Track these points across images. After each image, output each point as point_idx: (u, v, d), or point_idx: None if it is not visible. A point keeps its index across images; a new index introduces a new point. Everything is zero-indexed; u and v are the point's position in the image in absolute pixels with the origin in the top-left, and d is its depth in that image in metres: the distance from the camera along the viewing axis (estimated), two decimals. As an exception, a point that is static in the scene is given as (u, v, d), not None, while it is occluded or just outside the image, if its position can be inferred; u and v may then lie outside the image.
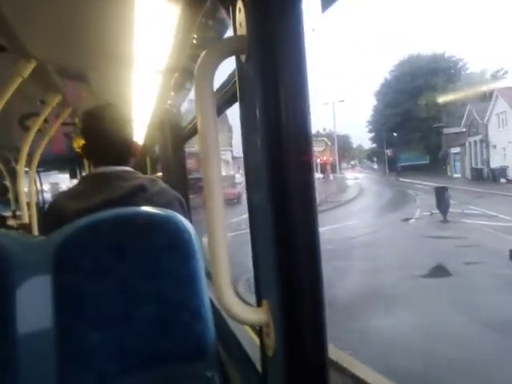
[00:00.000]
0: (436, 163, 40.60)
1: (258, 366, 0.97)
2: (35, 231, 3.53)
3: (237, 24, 0.78)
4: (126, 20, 1.44)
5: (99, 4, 1.42)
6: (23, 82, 2.05)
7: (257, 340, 1.20)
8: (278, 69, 0.70)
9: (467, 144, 33.93)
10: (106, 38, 1.74)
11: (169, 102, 2.27)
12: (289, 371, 0.72)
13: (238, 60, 0.81)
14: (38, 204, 4.70)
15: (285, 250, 0.71)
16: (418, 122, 41.28)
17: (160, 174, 2.82)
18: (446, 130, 38.88)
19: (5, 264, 0.93)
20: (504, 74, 38.52)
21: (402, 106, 42.76)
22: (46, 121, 2.94)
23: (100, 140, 1.34)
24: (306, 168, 0.72)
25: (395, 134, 43.71)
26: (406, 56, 47.77)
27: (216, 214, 0.75)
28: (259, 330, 0.86)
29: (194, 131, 2.02)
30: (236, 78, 0.84)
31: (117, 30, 1.61)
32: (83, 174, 6.09)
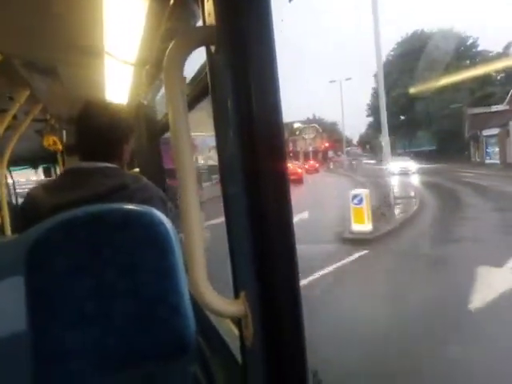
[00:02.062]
0: (449, 148, 36.90)
1: (238, 358, 0.98)
2: (8, 231, 3.42)
3: (206, 14, 0.77)
4: (95, 11, 1.40)
5: None
6: None
7: (236, 331, 1.21)
8: (248, 59, 0.69)
9: (511, 124, 27.39)
10: (75, 30, 1.68)
11: (142, 95, 2.22)
12: (268, 361, 0.73)
13: (208, 51, 0.79)
14: (10, 203, 4.56)
15: (260, 241, 0.72)
16: (429, 102, 37.46)
17: (137, 169, 2.78)
18: (470, 110, 34.10)
19: None
20: None
21: (410, 86, 37.27)
22: (15, 117, 2.84)
23: (89, 135, 1.32)
24: (279, 158, 0.72)
25: (402, 118, 39.91)
26: (408, 33, 44.33)
27: (191, 207, 0.75)
28: (238, 322, 0.86)
29: (168, 125, 1.99)
30: (207, 69, 0.83)
31: (86, 22, 1.56)
32: (58, 172, 5.94)
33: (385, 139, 12.89)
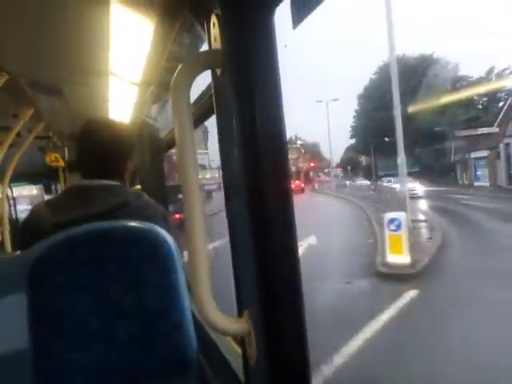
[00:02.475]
0: (432, 170, 36.25)
1: (241, 377, 0.97)
2: (8, 247, 3.41)
3: (212, 38, 0.80)
4: (101, 33, 1.44)
5: (74, 16, 1.41)
6: None
7: (239, 350, 1.20)
8: (253, 81, 0.72)
9: (502, 146, 27.59)
10: (81, 51, 1.73)
11: (145, 114, 2.26)
12: (271, 379, 0.73)
13: (214, 73, 0.82)
14: (10, 219, 4.56)
15: (264, 260, 0.72)
16: (412, 125, 36.75)
17: (138, 186, 2.79)
18: (458, 133, 33.89)
19: None
20: (510, 72, 36.54)
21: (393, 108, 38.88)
22: (18, 135, 2.87)
23: (91, 153, 1.32)
24: (283, 177, 0.73)
25: (387, 139, 39.57)
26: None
27: (196, 225, 0.76)
28: (241, 340, 0.86)
29: (172, 143, 2.02)
30: (212, 90, 0.86)
31: (92, 43, 1.60)
32: (58, 188, 5.96)
33: (401, 157, 12.00)
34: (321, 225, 14.39)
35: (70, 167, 3.89)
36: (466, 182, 32.34)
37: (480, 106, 39.60)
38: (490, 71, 38.07)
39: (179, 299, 1.04)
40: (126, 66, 1.66)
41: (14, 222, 4.49)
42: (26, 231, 1.26)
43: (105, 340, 0.99)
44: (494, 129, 30.17)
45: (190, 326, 1.05)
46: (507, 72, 37.01)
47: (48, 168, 4.55)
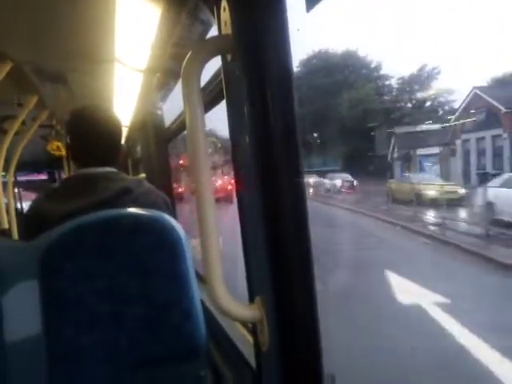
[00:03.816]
0: (358, 168, 31.85)
1: (252, 363, 0.98)
2: (15, 236, 3.44)
3: (222, 23, 0.79)
4: (107, 19, 1.42)
5: (79, 2, 1.39)
6: None
7: (249, 337, 1.21)
8: (264, 67, 0.71)
9: (459, 142, 26.05)
10: (86, 38, 1.71)
11: (151, 102, 2.25)
12: (283, 365, 0.73)
13: (224, 59, 0.81)
14: (16, 208, 4.59)
15: (276, 246, 0.72)
16: (340, 121, 35.91)
17: (143, 175, 2.80)
18: (398, 130, 31.76)
19: None
20: (437, 73, 36.76)
21: (320, 102, 36.13)
22: (23, 123, 2.87)
23: (85, 141, 1.32)
24: (295, 163, 0.73)
25: (315, 135, 37.07)
26: (315, 50, 42.50)
27: (207, 212, 0.76)
28: (252, 327, 0.87)
29: (177, 130, 2.01)
30: (222, 76, 0.85)
31: (97, 30, 1.58)
32: (63, 176, 5.98)
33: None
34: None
35: (70, 155, 3.88)
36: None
37: (409, 105, 39.00)
38: (422, 68, 37.73)
39: (188, 286, 1.05)
40: (131, 53, 1.65)
41: (18, 212, 4.51)
42: (30, 222, 1.26)
43: (115, 326, 1.00)
44: (437, 126, 29.70)
45: (199, 313, 1.06)
46: (435, 71, 37.04)
47: (52, 156, 4.56)
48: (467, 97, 26.32)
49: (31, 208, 1.29)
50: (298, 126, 0.73)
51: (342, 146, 35.71)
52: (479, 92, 25.09)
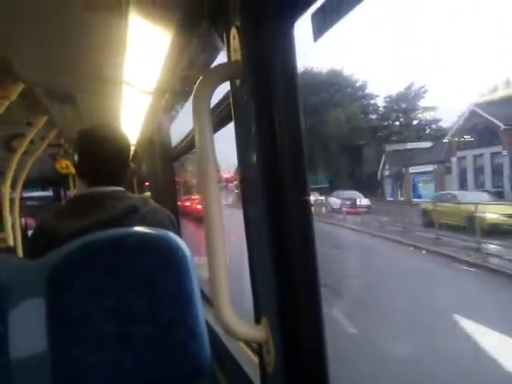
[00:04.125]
0: (350, 186, 29.63)
1: (256, 383, 0.97)
2: (20, 253, 3.45)
3: (231, 49, 0.82)
4: (117, 42, 1.47)
5: (90, 26, 1.44)
6: (10, 105, 2.04)
7: (253, 357, 1.20)
8: (272, 92, 0.73)
9: (455, 160, 25.63)
10: (96, 60, 1.76)
11: (158, 122, 2.29)
12: None
13: (233, 84, 0.84)
14: (21, 226, 4.60)
15: (283, 266, 0.73)
16: (327, 140, 35.05)
17: (148, 193, 2.82)
18: (388, 147, 31.30)
19: None
20: (424, 92, 35.86)
21: (307, 120, 34.69)
22: (31, 142, 2.92)
23: (93, 159, 1.34)
24: (302, 183, 0.74)
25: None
26: (300, 69, 44.52)
27: (215, 231, 0.77)
28: (258, 347, 0.87)
29: (184, 150, 2.04)
30: (230, 100, 0.87)
31: (107, 52, 1.63)
32: (68, 195, 6.02)
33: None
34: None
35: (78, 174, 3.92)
36: (401, 199, 27.39)
37: (397, 123, 38.53)
38: (410, 87, 37.17)
39: (193, 306, 1.04)
40: (140, 75, 1.69)
41: (23, 229, 4.53)
42: (37, 241, 1.26)
43: (120, 346, 1.00)
44: (429, 144, 28.63)
45: (204, 333, 1.05)
46: (422, 90, 36.50)
47: (58, 175, 4.60)
48: (464, 113, 25.23)
49: (39, 225, 1.30)
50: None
51: (330, 165, 35.35)
52: (477, 109, 24.01)
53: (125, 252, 1.04)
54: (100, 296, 1.00)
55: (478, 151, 24.06)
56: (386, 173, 31.23)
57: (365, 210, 22.48)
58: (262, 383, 0.89)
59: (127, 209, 1.25)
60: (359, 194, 26.20)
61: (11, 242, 3.39)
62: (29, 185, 5.29)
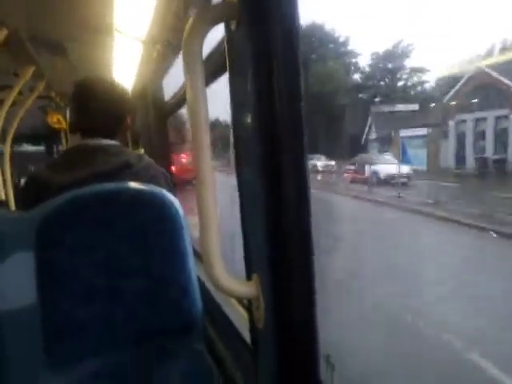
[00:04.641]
0: (330, 150, 27.88)
1: (247, 339, 0.98)
2: (12, 207, 3.43)
3: None
4: None
5: None
6: None
7: (243, 312, 1.22)
8: (271, 34, 0.67)
9: (453, 124, 23.42)
10: (85, 7, 1.65)
11: (150, 74, 2.20)
12: (279, 342, 0.73)
13: (228, 27, 0.78)
14: (13, 180, 4.56)
15: (275, 223, 0.71)
16: (308, 99, 34.55)
17: (142, 150, 2.77)
18: (375, 109, 28.54)
19: None
20: (410, 51, 35.14)
21: None
22: (20, 93, 2.82)
23: (86, 111, 1.30)
24: (298, 139, 0.71)
25: None
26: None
27: (206, 187, 0.74)
28: (248, 304, 0.87)
29: (177, 105, 1.97)
30: (225, 46, 0.81)
31: None
32: (60, 150, 5.93)
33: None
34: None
35: (70, 128, 3.85)
36: None
37: (382, 83, 36.87)
38: (397, 45, 35.95)
39: (185, 262, 1.04)
40: (131, 22, 1.60)
41: (16, 186, 4.49)
42: (28, 193, 1.25)
43: (111, 300, 1.00)
44: (416, 106, 26.68)
45: (195, 290, 1.06)
46: (410, 48, 35.55)
47: (49, 130, 4.50)
48: (468, 73, 23.76)
49: (30, 177, 1.28)
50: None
51: (309, 127, 34.09)
52: (484, 68, 22.33)
53: (116, 207, 1.02)
54: (90, 250, 0.99)
55: (480, 114, 22.34)
56: (373, 136, 28.86)
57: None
58: (252, 338, 0.90)
59: (121, 164, 1.23)
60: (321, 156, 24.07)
61: (2, 196, 3.37)
62: (20, 139, 5.19)
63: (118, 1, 1.47)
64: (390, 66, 37.16)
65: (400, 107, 29.15)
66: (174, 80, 2.09)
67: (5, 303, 0.89)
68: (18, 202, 1.32)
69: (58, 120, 3.85)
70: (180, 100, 1.85)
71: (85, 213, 1.00)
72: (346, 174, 21.07)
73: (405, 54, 36.34)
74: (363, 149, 28.47)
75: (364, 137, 29.80)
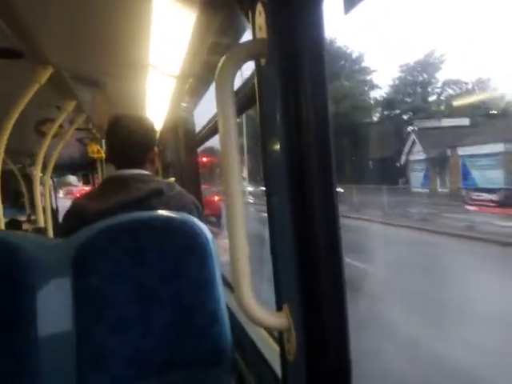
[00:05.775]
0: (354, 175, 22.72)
1: (277, 371, 0.96)
2: (50, 235, 3.57)
3: (256, 27, 0.78)
4: (142, 25, 1.46)
5: (115, 10, 1.44)
6: (40, 89, 2.08)
7: (274, 344, 1.20)
8: (299, 72, 0.70)
9: None
10: (122, 44, 1.76)
11: (182, 107, 2.28)
12: (311, 376, 0.71)
13: (258, 63, 0.81)
14: (52, 208, 4.77)
15: (305, 252, 0.71)
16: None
17: (173, 178, 2.84)
18: (420, 124, 24.19)
19: (26, 266, 0.94)
20: (442, 62, 32.45)
21: None
22: (60, 126, 2.99)
23: (121, 146, 1.41)
24: (327, 172, 0.71)
25: None
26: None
27: (236, 217, 0.75)
28: (279, 335, 0.85)
29: (208, 135, 2.03)
30: (255, 81, 0.84)
31: (132, 36, 1.63)
32: (96, 178, 6.17)
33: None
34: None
35: (107, 158, 4.04)
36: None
37: (412, 98, 33.33)
38: (430, 54, 32.78)
39: (215, 291, 1.04)
40: (165, 58, 1.68)
41: (54, 211, 4.69)
42: (69, 220, 1.33)
43: (143, 327, 1.01)
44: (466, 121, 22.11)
45: (225, 318, 1.05)
46: (443, 58, 32.49)
47: (86, 159, 4.71)
48: None
49: (71, 206, 1.39)
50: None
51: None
52: None
53: (148, 235, 1.05)
54: (122, 278, 1.01)
55: None
56: (417, 156, 23.78)
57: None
58: (283, 371, 0.88)
59: (152, 191, 1.29)
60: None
61: (42, 224, 3.52)
62: (59, 169, 5.45)
63: (153, 39, 1.56)
64: (421, 78, 34.41)
65: (448, 122, 24.60)
66: (203, 111, 2.17)
67: (43, 329, 0.92)
68: (61, 229, 1.41)
69: (98, 150, 4.06)
70: (210, 131, 1.90)
71: (118, 241, 1.03)
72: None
73: (437, 65, 34.58)
74: (400, 173, 24.31)
75: (403, 158, 24.97)
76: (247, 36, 1.03)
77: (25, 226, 3.85)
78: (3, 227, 2.72)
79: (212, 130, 1.82)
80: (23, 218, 4.31)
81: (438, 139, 22.22)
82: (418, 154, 24.02)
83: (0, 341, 0.91)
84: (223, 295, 1.06)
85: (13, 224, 3.86)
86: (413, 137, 24.35)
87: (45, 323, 0.93)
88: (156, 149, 1.48)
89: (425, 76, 34.48)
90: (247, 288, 0.74)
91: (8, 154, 3.33)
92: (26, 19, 1.49)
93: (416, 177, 23.44)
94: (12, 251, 0.94)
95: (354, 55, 37.15)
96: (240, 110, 1.11)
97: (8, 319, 0.91)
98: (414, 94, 34.67)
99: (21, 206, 5.23)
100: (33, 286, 0.93)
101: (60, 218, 4.64)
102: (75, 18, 1.57)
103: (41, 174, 3.65)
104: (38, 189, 3.33)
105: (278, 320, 0.77)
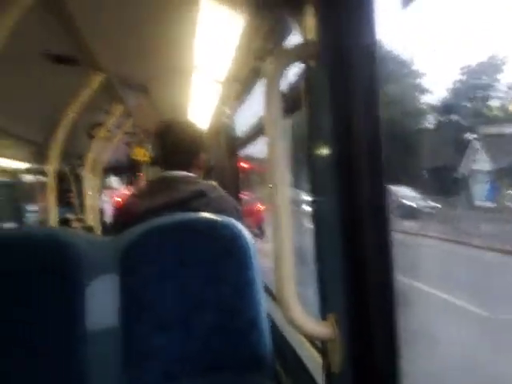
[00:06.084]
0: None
1: (319, 381, 0.93)
2: (98, 233, 3.73)
3: (306, 29, 0.77)
4: (189, 31, 1.49)
5: (163, 17, 1.48)
6: (91, 94, 2.19)
7: (315, 353, 1.17)
8: (351, 74, 0.68)
9: None
10: (169, 50, 1.81)
11: (224, 112, 2.31)
12: None
13: (307, 66, 0.80)
14: (99, 208, 4.98)
15: (353, 260, 0.68)
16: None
17: (213, 182, 2.87)
18: (485, 130, 23.75)
19: (76, 263, 0.97)
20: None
21: None
22: (108, 130, 3.12)
23: (169, 151, 1.47)
24: (377, 176, 0.68)
25: None
26: None
27: (283, 222, 0.74)
28: (322, 345, 0.83)
29: (249, 139, 2.03)
30: (303, 83, 0.83)
31: (179, 41, 1.67)
32: (139, 181, 6.38)
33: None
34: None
35: (152, 161, 4.19)
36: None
37: (472, 103, 31.67)
38: (493, 57, 30.73)
39: (255, 296, 1.03)
40: (211, 64, 1.71)
41: (101, 210, 4.89)
42: (119, 218, 1.41)
43: (184, 328, 1.01)
44: None
45: (264, 323, 1.04)
46: (506, 60, 29.89)
47: (131, 162, 4.89)
48: None
49: (122, 204, 1.45)
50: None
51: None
52: None
53: (191, 237, 1.06)
54: (166, 278, 1.02)
55: None
56: (482, 166, 21.05)
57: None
58: (327, 382, 0.85)
59: (195, 193, 1.33)
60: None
61: (92, 222, 3.68)
62: (106, 171, 5.68)
63: (199, 45, 1.59)
64: (483, 81, 33.01)
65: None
66: (244, 116, 2.18)
67: (91, 325, 0.95)
68: (111, 226, 1.48)
69: (144, 154, 4.21)
70: (251, 135, 1.91)
71: (163, 241, 1.04)
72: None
73: (499, 67, 32.05)
74: (459, 184, 22.74)
75: (464, 168, 23.77)
76: (291, 39, 1.02)
77: (75, 225, 4.03)
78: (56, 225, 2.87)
79: (255, 132, 1.82)
80: (72, 217, 4.52)
81: (507, 147, 19.77)
82: (482, 164, 21.68)
83: (50, 335, 0.94)
84: (263, 299, 1.05)
85: (64, 222, 4.06)
86: (475, 144, 22.48)
87: (92, 318, 0.96)
88: (203, 155, 1.53)
89: (486, 79, 32.22)
90: (292, 294, 0.73)
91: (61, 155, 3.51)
92: (82, 28, 1.57)
93: (480, 189, 21.38)
94: (64, 248, 0.98)
95: (403, 58, 36.15)
96: (286, 114, 1.09)
97: (58, 313, 0.95)
98: (475, 98, 32.45)
99: (69, 205, 5.49)
100: (82, 283, 0.97)
101: (105, 219, 4.84)
102: (126, 25, 1.63)
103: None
104: (87, 189, 3.48)
105: (323, 329, 0.74)
